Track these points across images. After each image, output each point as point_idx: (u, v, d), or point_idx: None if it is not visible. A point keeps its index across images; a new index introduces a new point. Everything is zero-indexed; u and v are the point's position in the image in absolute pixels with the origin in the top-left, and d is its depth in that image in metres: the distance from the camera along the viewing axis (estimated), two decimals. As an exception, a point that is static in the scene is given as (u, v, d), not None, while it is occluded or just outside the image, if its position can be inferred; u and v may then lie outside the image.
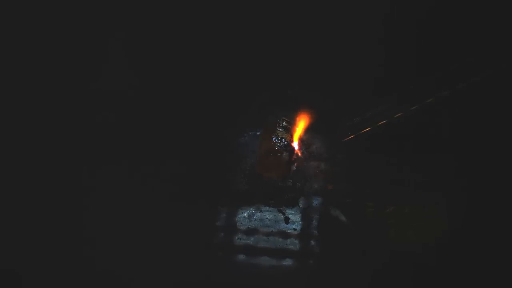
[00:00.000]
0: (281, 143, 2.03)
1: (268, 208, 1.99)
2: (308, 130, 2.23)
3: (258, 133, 2.27)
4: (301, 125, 2.22)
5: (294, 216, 1.96)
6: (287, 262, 1.81)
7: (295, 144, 2.18)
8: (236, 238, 1.90)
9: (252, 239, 1.89)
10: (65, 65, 2.13)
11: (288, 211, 1.98)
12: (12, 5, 2.01)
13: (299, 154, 2.18)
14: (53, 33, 2.05)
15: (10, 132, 2.04)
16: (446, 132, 2.09)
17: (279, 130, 2.08)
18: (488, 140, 2.02)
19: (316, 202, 2.00)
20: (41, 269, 1.76)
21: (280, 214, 1.97)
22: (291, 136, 2.14)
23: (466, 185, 1.92)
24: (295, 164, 2.13)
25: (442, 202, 1.90)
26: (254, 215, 1.97)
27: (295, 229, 1.91)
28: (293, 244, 1.86)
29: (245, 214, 1.97)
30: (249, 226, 1.93)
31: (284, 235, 1.90)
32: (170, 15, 2.19)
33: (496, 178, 1.92)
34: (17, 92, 2.08)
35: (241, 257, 1.83)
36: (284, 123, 2.13)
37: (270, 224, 1.94)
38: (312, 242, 1.86)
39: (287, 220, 1.95)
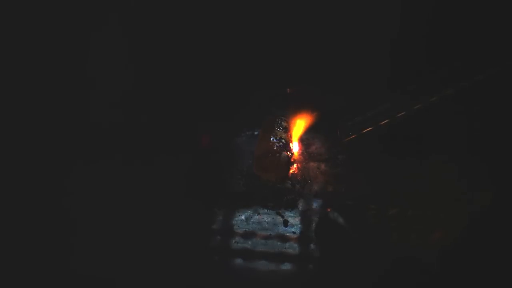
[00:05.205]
0: (280, 143, 2.01)
1: (266, 210, 1.96)
2: (307, 130, 2.21)
3: (256, 133, 2.25)
4: (300, 125, 2.20)
5: (293, 219, 1.92)
6: (286, 266, 1.77)
7: (294, 144, 2.16)
8: (233, 241, 1.86)
9: (249, 242, 1.86)
10: (56, 60, 2.10)
11: (287, 213, 1.95)
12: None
13: (299, 155, 2.15)
14: (43, 26, 2.02)
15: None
16: (451, 132, 2.06)
17: (277, 129, 2.07)
18: (493, 140, 1.99)
19: (316, 204, 1.97)
20: (26, 273, 1.71)
21: (278, 217, 1.94)
22: (290, 136, 2.13)
23: (469, 186, 1.88)
24: (294, 165, 2.11)
25: (445, 204, 1.85)
26: (251, 217, 1.94)
27: (294, 232, 1.88)
28: (292, 248, 1.82)
29: (243, 217, 1.94)
30: (247, 229, 1.90)
31: (283, 238, 1.86)
32: (167, 11, 2.17)
33: (502, 181, 1.88)
34: (5, 88, 2.04)
35: (238, 261, 1.79)
36: (283, 122, 2.12)
37: (268, 227, 1.91)
38: (312, 246, 1.83)
39: (286, 223, 1.91)
